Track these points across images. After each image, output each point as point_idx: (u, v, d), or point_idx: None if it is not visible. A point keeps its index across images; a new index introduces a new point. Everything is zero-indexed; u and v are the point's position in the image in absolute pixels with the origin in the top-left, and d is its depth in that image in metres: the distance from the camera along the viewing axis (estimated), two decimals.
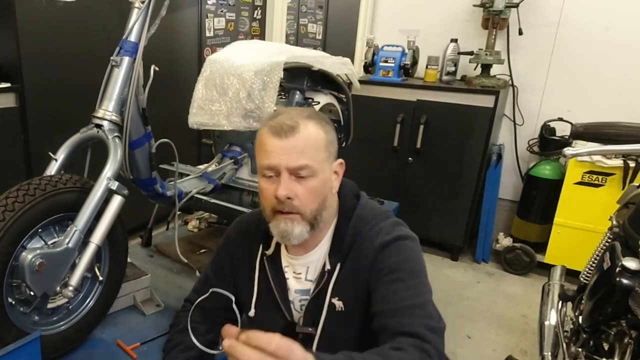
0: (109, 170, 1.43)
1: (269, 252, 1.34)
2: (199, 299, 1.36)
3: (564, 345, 1.77)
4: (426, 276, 1.23)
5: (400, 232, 1.24)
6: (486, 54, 3.40)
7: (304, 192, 1.17)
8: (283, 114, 1.19)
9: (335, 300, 1.26)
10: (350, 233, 1.26)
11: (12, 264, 1.28)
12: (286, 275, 1.33)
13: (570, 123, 3.18)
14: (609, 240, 1.77)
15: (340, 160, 1.27)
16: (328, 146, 1.20)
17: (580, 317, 1.70)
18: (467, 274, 3.50)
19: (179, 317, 1.47)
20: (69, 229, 1.35)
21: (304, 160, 1.14)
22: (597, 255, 1.87)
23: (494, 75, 3.47)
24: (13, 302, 1.32)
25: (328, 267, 1.26)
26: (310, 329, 1.29)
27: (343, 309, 1.25)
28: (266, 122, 1.20)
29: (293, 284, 1.33)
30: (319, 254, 1.29)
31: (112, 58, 1.51)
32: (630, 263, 1.36)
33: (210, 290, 1.42)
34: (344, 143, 2.74)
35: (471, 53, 3.47)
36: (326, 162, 1.20)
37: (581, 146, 2.07)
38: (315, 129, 1.17)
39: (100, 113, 1.49)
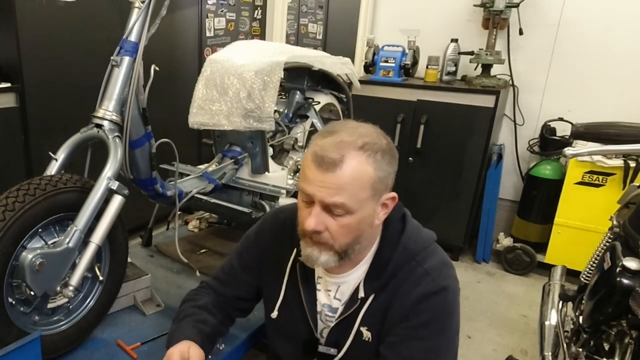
0: (109, 170, 1.42)
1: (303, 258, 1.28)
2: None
3: (565, 345, 1.77)
4: (455, 330, 1.19)
5: (446, 279, 1.18)
6: (486, 54, 3.40)
7: (335, 227, 1.11)
8: (335, 136, 1.08)
9: (363, 330, 1.22)
10: (393, 264, 1.19)
11: (13, 263, 1.27)
12: (317, 287, 1.30)
13: (571, 123, 3.18)
14: (610, 240, 1.77)
15: (393, 194, 1.16)
16: (375, 184, 1.09)
17: (581, 317, 1.70)
18: (468, 274, 3.50)
19: (197, 294, 1.43)
20: (69, 228, 1.35)
21: (340, 198, 1.06)
22: (598, 255, 1.87)
23: (495, 75, 3.47)
24: (13, 302, 1.32)
25: (362, 294, 1.21)
26: (332, 350, 1.27)
27: (370, 339, 1.22)
28: (315, 142, 1.11)
29: (322, 298, 1.30)
30: (354, 277, 1.24)
31: (112, 58, 1.51)
32: (630, 263, 1.36)
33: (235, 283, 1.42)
34: None
35: (471, 53, 3.47)
36: (369, 200, 1.10)
37: (582, 146, 2.07)
38: (363, 165, 1.06)
39: (100, 113, 1.49)
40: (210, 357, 1.49)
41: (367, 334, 1.22)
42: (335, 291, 1.27)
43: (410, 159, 3.50)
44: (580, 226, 3.19)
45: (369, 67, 3.74)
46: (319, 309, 1.30)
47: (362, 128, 1.13)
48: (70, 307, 1.49)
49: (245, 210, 2.02)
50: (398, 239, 1.21)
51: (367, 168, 1.07)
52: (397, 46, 3.59)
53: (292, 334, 1.34)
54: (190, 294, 1.45)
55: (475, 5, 3.50)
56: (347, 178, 1.06)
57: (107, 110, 1.49)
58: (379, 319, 1.20)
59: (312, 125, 2.48)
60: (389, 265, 1.19)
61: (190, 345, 1.21)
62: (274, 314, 1.34)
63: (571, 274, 2.38)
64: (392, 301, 1.18)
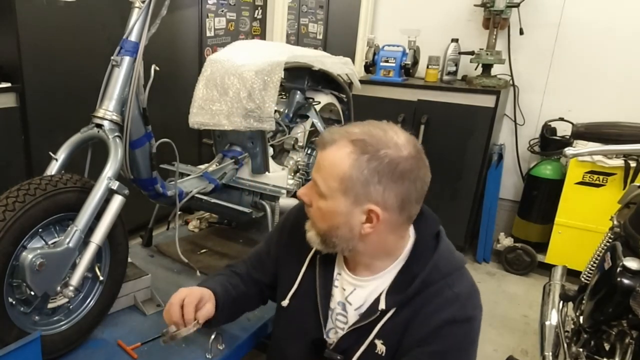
0: (109, 170, 1.42)
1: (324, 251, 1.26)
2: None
3: (565, 345, 1.77)
4: None
5: (474, 309, 1.15)
6: (487, 54, 3.40)
7: (315, 206, 1.16)
8: (353, 126, 1.13)
9: (378, 342, 1.17)
10: (421, 280, 1.14)
11: (13, 263, 1.27)
12: (335, 283, 1.27)
13: (572, 123, 3.18)
14: (610, 240, 1.77)
15: (374, 208, 1.09)
16: (346, 180, 1.08)
17: (581, 317, 1.70)
18: None
19: (237, 264, 1.49)
20: (69, 228, 1.35)
21: (316, 176, 1.14)
22: (598, 256, 1.87)
23: (495, 75, 3.46)
24: (13, 302, 1.32)
25: (383, 306, 1.15)
26: (339, 357, 1.23)
27: (384, 353, 1.17)
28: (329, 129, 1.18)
29: (338, 295, 1.27)
30: (373, 285, 1.21)
31: (112, 58, 1.50)
32: (631, 263, 1.36)
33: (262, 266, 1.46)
34: None
35: (472, 53, 3.47)
36: (339, 194, 1.10)
37: (582, 146, 2.07)
38: (342, 155, 1.08)
39: (100, 113, 1.49)
40: (210, 357, 1.50)
41: (381, 348, 1.18)
42: (350, 292, 1.24)
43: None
44: (581, 226, 3.18)
45: (370, 67, 3.74)
46: (332, 305, 1.27)
47: (384, 132, 1.10)
48: (71, 307, 1.48)
49: (246, 210, 2.02)
50: (430, 255, 1.17)
51: (343, 160, 1.08)
52: (398, 46, 3.59)
53: (299, 328, 1.31)
54: (231, 264, 1.51)
55: (475, 5, 3.50)
56: (324, 160, 1.11)
57: (107, 110, 1.49)
58: (397, 334, 1.16)
59: (313, 125, 2.48)
60: (416, 280, 1.14)
61: (208, 296, 1.28)
62: (285, 302, 1.32)
63: (572, 274, 2.38)
64: (414, 319, 1.14)
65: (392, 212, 1.11)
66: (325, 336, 1.28)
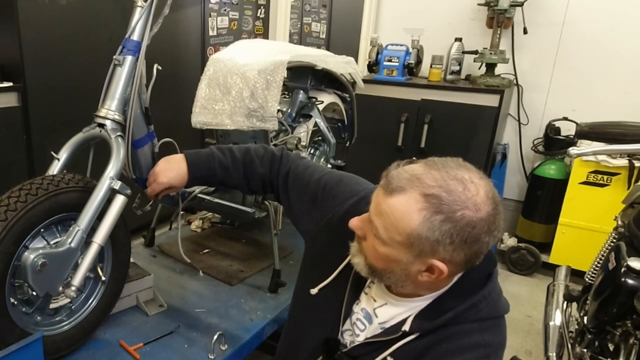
0: (111, 169, 1.42)
1: None
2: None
3: (569, 345, 1.76)
4: None
5: None
6: (491, 53, 3.39)
7: (369, 242, 1.06)
8: (418, 173, 1.00)
9: None
10: (454, 314, 1.07)
11: (15, 264, 1.27)
12: (365, 290, 1.23)
13: (575, 122, 3.17)
14: (614, 240, 1.76)
15: (437, 264, 0.99)
16: (413, 237, 0.97)
17: (586, 318, 1.69)
18: None
19: (274, 158, 1.47)
20: (71, 228, 1.35)
21: (377, 221, 1.01)
22: (603, 256, 1.87)
23: (499, 75, 3.46)
24: (15, 302, 1.32)
25: (407, 328, 1.10)
26: None
27: None
28: (408, 162, 1.06)
29: (364, 302, 1.23)
30: (405, 306, 1.14)
31: (114, 57, 1.50)
32: (635, 263, 1.35)
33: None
34: (348, 143, 2.73)
35: (476, 52, 3.46)
36: (402, 248, 1.00)
37: (586, 146, 2.07)
38: (411, 210, 0.96)
39: (102, 112, 1.49)
40: (213, 357, 1.50)
41: None
42: (380, 305, 1.19)
43: (414, 158, 3.48)
44: (585, 226, 3.17)
45: (373, 66, 3.73)
46: (355, 309, 1.24)
47: (463, 187, 0.97)
48: (73, 307, 1.48)
49: (248, 210, 2.02)
50: (473, 293, 1.10)
51: (412, 217, 0.96)
52: (401, 45, 3.58)
53: (318, 319, 1.29)
54: (277, 151, 1.50)
55: (479, 4, 3.49)
56: (389, 208, 0.99)
57: (109, 109, 1.49)
58: (410, 358, 1.12)
59: (316, 124, 2.47)
60: (448, 312, 1.08)
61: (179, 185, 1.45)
62: (314, 291, 1.28)
63: (576, 274, 2.37)
64: (431, 349, 1.09)
65: (457, 266, 1.03)
66: (339, 335, 1.25)
